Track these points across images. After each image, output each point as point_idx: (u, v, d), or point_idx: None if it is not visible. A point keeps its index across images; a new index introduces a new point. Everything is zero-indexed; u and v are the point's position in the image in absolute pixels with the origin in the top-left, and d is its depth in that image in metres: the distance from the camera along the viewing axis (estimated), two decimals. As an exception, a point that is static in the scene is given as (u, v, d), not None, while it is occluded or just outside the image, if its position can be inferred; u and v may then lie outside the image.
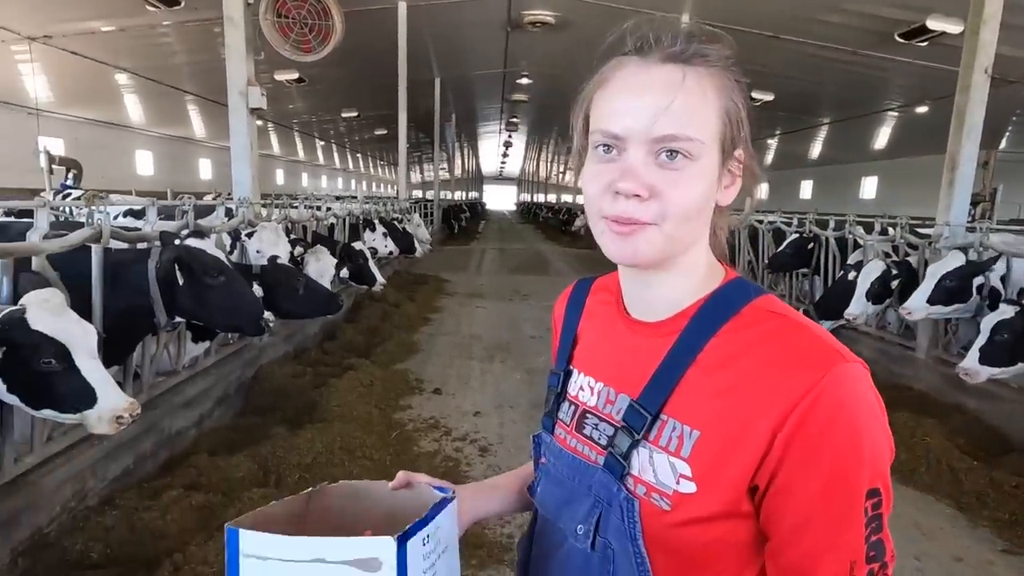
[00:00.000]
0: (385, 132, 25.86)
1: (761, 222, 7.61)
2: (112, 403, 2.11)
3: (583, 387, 0.76)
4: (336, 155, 36.65)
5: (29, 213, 3.64)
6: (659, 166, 0.61)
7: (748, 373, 0.61)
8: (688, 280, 0.69)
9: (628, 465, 0.66)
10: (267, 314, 3.09)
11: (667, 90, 0.61)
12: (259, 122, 5.25)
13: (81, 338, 2.12)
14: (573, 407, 0.76)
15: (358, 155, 40.56)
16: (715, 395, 0.62)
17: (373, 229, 7.36)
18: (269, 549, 0.61)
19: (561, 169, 43.40)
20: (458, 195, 38.60)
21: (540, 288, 10.70)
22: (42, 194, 7.18)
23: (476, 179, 62.30)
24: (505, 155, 53.76)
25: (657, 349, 0.67)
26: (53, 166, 10.35)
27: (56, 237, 2.49)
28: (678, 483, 0.62)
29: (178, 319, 2.92)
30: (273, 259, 3.75)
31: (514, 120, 32.17)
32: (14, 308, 2.08)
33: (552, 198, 45.31)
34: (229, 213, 4.58)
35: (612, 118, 0.63)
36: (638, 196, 0.61)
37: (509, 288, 10.61)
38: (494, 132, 39.36)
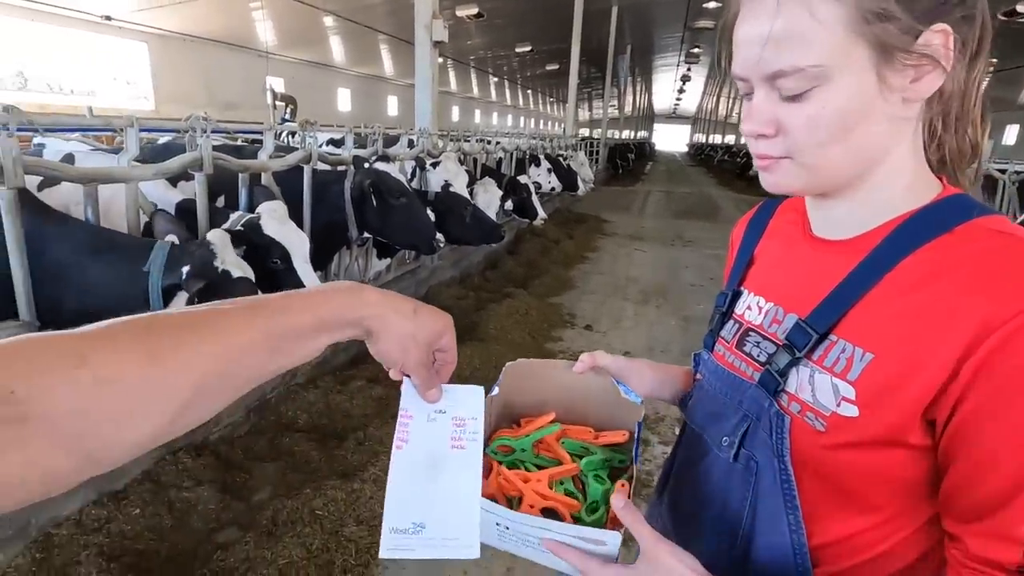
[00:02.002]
0: (556, 67, 25.54)
1: (1004, 172, 6.16)
2: (318, 301, 2.53)
3: (750, 306, 0.75)
4: (508, 92, 37.29)
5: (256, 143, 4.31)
6: (783, 99, 0.59)
7: (944, 294, 0.54)
8: (880, 196, 0.62)
9: (784, 382, 0.64)
10: (438, 236, 3.36)
11: (767, 21, 0.57)
12: (439, 59, 5.51)
13: (299, 244, 2.54)
14: (737, 325, 0.75)
15: (528, 91, 40.80)
16: (898, 317, 0.57)
17: (538, 164, 7.46)
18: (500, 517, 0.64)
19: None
20: (626, 134, 37.09)
21: (706, 235, 10.06)
22: (265, 125, 8.47)
23: (646, 117, 59.02)
24: (681, 91, 49.93)
25: (839, 268, 0.63)
26: (276, 102, 12.11)
27: (278, 158, 2.95)
28: (838, 405, 0.59)
29: (366, 235, 3.32)
30: (446, 186, 4.02)
31: (695, 51, 29.44)
32: (251, 215, 2.54)
33: (731, 140, 41.36)
34: (411, 143, 4.97)
35: (735, 59, 0.62)
36: (763, 135, 0.61)
37: (672, 232, 10.14)
38: (671, 65, 36.59)
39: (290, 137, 6.04)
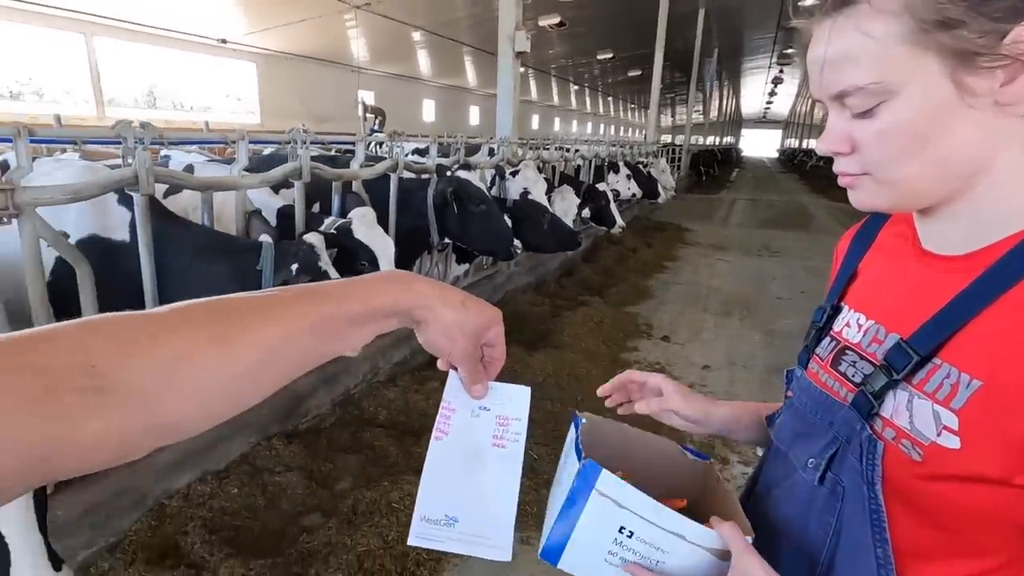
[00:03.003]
0: (639, 73, 25.13)
1: None
2: (402, 304, 2.66)
3: (849, 323, 0.71)
4: (588, 99, 37.14)
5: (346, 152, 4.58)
6: (854, 116, 0.58)
7: None
8: (995, 208, 0.58)
9: (879, 406, 0.60)
10: (516, 242, 3.42)
11: (823, 44, 0.58)
12: (521, 69, 5.61)
13: (384, 248, 2.68)
14: (834, 343, 0.72)
15: (609, 98, 40.41)
16: (1014, 342, 0.52)
17: (617, 171, 7.37)
18: (628, 500, 0.63)
19: (843, 108, 36.40)
20: (710, 140, 35.73)
21: (796, 245, 9.49)
22: (356, 136, 8.99)
23: (733, 122, 56.60)
24: (772, 94, 47.43)
25: (949, 285, 0.58)
26: (367, 114, 12.80)
27: (368, 167, 3.12)
28: (939, 435, 0.55)
29: (446, 240, 3.44)
30: (524, 194, 4.08)
31: (789, 51, 27.92)
32: (343, 220, 2.71)
33: (826, 144, 38.72)
34: (491, 152, 5.09)
35: (809, 82, 0.62)
36: (840, 153, 0.60)
37: (758, 242, 9.64)
38: (761, 68, 34.92)
39: (378, 147, 6.37)
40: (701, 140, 27.07)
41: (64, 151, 3.85)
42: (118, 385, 0.38)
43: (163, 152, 4.15)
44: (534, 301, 5.11)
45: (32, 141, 1.79)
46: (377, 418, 3.11)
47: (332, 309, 0.51)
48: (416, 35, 16.48)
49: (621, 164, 7.47)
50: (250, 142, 2.49)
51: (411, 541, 0.61)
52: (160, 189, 2.39)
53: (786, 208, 14.88)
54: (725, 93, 39.42)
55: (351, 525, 2.24)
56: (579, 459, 0.67)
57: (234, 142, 2.38)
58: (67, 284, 1.85)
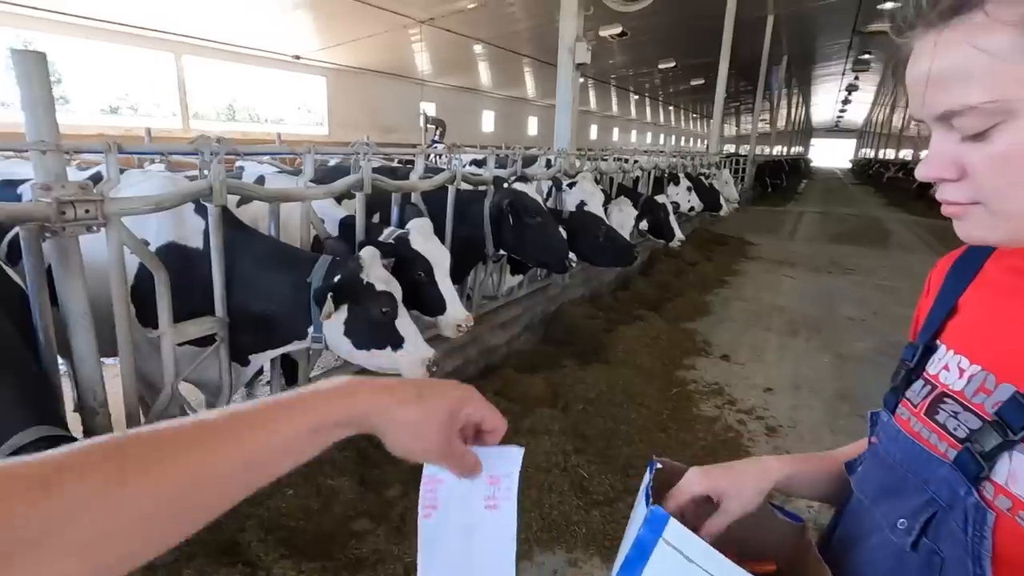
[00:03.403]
0: (702, 82, 24.53)
1: None
2: (456, 314, 2.66)
3: (949, 366, 0.63)
4: (648, 109, 36.59)
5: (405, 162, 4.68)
6: (962, 139, 0.52)
7: None
8: None
9: (990, 469, 0.53)
10: (571, 256, 3.38)
11: (926, 59, 0.52)
12: (580, 80, 5.58)
13: (441, 259, 2.71)
14: (928, 387, 0.64)
15: (670, 108, 39.67)
16: None
17: (677, 183, 7.19)
18: (698, 555, 0.60)
19: (926, 117, 34.08)
20: (778, 150, 34.35)
21: (870, 262, 8.93)
22: (428, 148, 9.23)
23: (803, 132, 54.22)
24: (846, 102, 45.16)
25: None
26: (428, 125, 13.13)
27: (427, 179, 3.17)
28: None
29: (501, 252, 3.44)
30: (581, 206, 4.03)
31: (865, 57, 26.49)
32: (402, 231, 2.76)
33: (906, 154, 36.42)
34: (548, 163, 5.08)
35: (909, 101, 0.56)
36: (945, 179, 0.54)
37: (827, 259, 9.15)
38: (834, 75, 33.31)
39: (438, 158, 6.50)
40: (767, 150, 26.02)
41: (153, 162, 4.16)
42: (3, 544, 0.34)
43: (238, 163, 4.39)
44: (588, 314, 5.04)
45: (123, 153, 1.92)
46: (428, 427, 3.14)
47: (258, 441, 0.46)
48: (477, 47, 16.78)
49: (681, 176, 7.28)
50: (316, 154, 2.59)
51: None
52: (233, 199, 2.52)
53: (859, 222, 14.06)
54: (794, 101, 37.84)
55: (399, 533, 2.26)
56: (647, 505, 0.63)
57: (301, 154, 2.48)
58: (149, 287, 1.97)
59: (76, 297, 1.72)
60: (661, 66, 21.78)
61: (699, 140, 50.80)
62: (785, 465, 0.75)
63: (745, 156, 17.27)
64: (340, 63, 15.14)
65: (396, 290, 2.17)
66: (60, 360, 1.79)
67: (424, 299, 2.67)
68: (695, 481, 0.73)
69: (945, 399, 0.61)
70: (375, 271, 2.09)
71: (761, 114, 21.71)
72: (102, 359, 1.85)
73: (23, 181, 2.55)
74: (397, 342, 2.15)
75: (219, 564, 1.96)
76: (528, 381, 3.65)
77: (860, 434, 0.79)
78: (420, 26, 13.46)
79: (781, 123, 33.40)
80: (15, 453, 1.23)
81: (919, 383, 0.66)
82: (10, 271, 1.82)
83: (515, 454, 0.66)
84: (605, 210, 4.70)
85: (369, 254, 2.11)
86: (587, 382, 3.65)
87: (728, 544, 0.68)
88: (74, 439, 1.32)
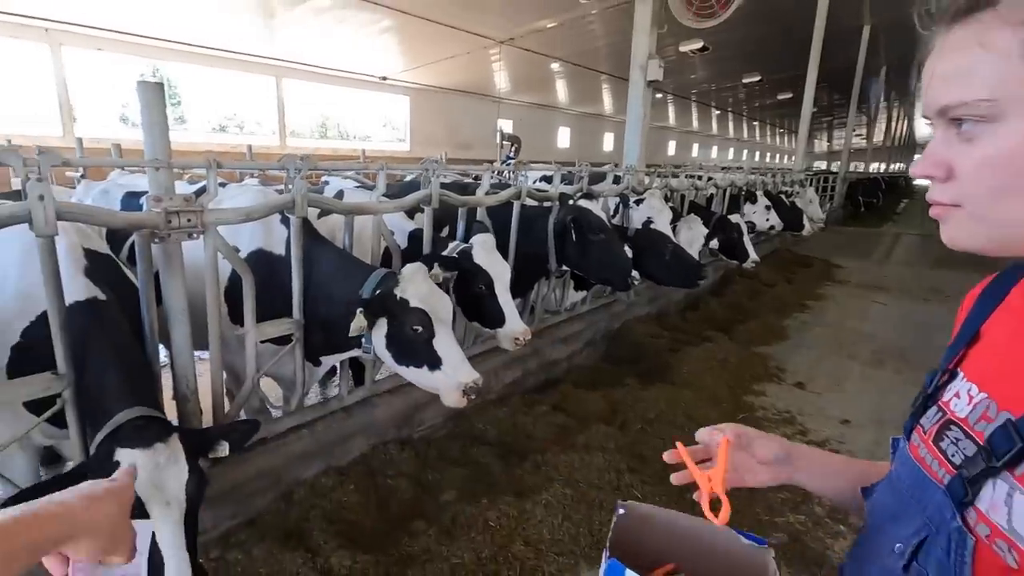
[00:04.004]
0: (789, 96, 23.43)
1: None
2: (515, 327, 2.74)
3: (960, 394, 0.63)
4: (731, 124, 35.36)
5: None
6: (958, 139, 0.52)
7: None
8: None
9: (975, 496, 0.53)
10: (634, 273, 3.36)
11: (935, 60, 0.53)
12: (659, 95, 5.55)
13: (502, 274, 2.80)
14: (940, 414, 0.64)
15: (755, 123, 38.11)
16: None
17: (754, 201, 6.92)
18: None
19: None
20: (875, 167, 32.05)
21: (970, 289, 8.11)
22: (493, 164, 9.47)
23: (905, 147, 50.21)
24: (956, 115, 41.31)
25: None
26: (504, 142, 13.44)
27: (493, 194, 3.28)
28: None
29: (564, 267, 3.48)
30: (647, 223, 4.00)
31: (979, 67, 24.21)
32: (465, 245, 2.88)
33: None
34: (616, 180, 5.07)
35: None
36: (933, 177, 0.55)
37: (925, 285, 8.42)
38: (943, 85, 30.64)
39: (512, 174, 6.66)
40: (863, 167, 24.35)
41: (252, 176, 4.59)
42: None
43: (324, 178, 4.74)
44: (653, 333, 4.95)
45: (222, 169, 2.16)
46: (485, 435, 3.21)
47: None
48: (555, 65, 17.00)
49: (759, 194, 7.00)
50: (390, 170, 2.76)
51: None
52: (314, 212, 2.75)
53: (967, 246, 12.80)
54: (895, 115, 35.20)
55: (449, 536, 2.33)
56: (605, 557, 0.66)
57: (375, 171, 2.66)
58: (239, 289, 2.19)
59: (176, 295, 1.94)
60: (745, 80, 21.03)
61: (786, 156, 48.37)
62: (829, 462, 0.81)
63: (836, 173, 16.26)
64: (422, 83, 15.87)
65: (439, 308, 2.13)
66: (162, 352, 2.02)
67: (484, 311, 2.76)
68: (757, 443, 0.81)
69: (951, 426, 0.60)
70: (412, 287, 2.10)
71: (856, 129, 20.38)
72: (196, 352, 2.08)
73: (143, 193, 2.91)
74: (434, 362, 2.12)
75: (284, 548, 2.12)
76: (586, 397, 3.64)
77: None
78: (500, 46, 13.85)
79: (879, 138, 31.13)
80: (116, 430, 1.42)
81: (933, 410, 0.65)
82: (128, 271, 2.09)
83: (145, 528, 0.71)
84: (673, 228, 4.62)
85: (411, 270, 2.14)
86: (647, 401, 3.59)
87: (693, 569, 0.70)
88: (168, 422, 1.51)
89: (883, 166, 39.53)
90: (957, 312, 0.74)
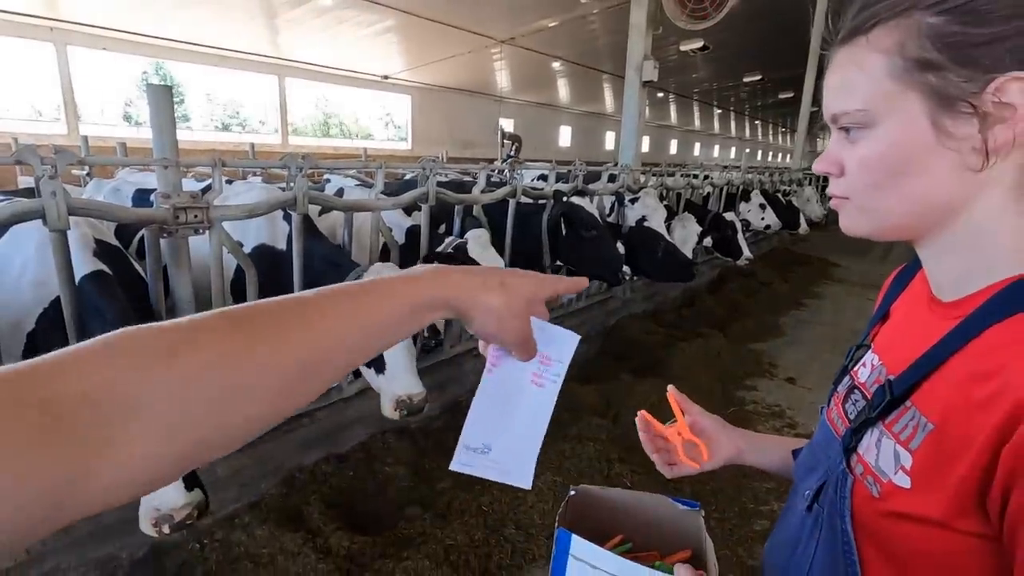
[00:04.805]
0: (790, 95, 23.46)
1: None
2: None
3: (865, 363, 0.73)
4: (733, 123, 35.39)
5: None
6: (847, 141, 0.62)
7: (1000, 368, 0.50)
8: (977, 256, 0.58)
9: (857, 443, 0.63)
10: (625, 269, 3.45)
11: (829, 74, 0.62)
12: (660, 94, 5.63)
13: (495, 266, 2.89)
14: (849, 382, 0.75)
15: (756, 123, 38.14)
16: (959, 388, 0.54)
17: (748, 200, 7.00)
18: (599, 560, 0.67)
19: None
20: (876, 166, 32.02)
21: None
22: (494, 163, 9.56)
23: (907, 146, 50.00)
24: (959, 114, 41.27)
25: (938, 331, 0.60)
26: (504, 140, 13.52)
27: (489, 192, 3.38)
28: (895, 473, 0.57)
29: (558, 263, 3.57)
30: (640, 221, 4.09)
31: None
32: (461, 240, 2.97)
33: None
34: (612, 178, 5.16)
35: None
36: (830, 173, 0.64)
37: (922, 283, 8.47)
38: (945, 85, 30.62)
39: (509, 172, 6.75)
40: (863, 166, 24.41)
41: (255, 174, 4.69)
42: (132, 408, 0.35)
43: (325, 176, 4.84)
44: (648, 329, 5.04)
45: (226, 167, 2.26)
46: (481, 426, 3.30)
47: (370, 311, 0.50)
48: (556, 64, 17.08)
49: (754, 193, 7.08)
50: (388, 168, 2.85)
51: (452, 466, 0.66)
52: (315, 209, 2.85)
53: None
54: (897, 114, 35.15)
55: (444, 520, 2.43)
56: (556, 527, 0.74)
57: (374, 169, 2.75)
58: (244, 281, 2.29)
59: (183, 287, 2.04)
60: (747, 79, 21.10)
61: (788, 155, 48.37)
62: (742, 441, 0.91)
63: (835, 172, 16.25)
64: (424, 82, 15.96)
65: None
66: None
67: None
68: (701, 419, 0.91)
69: (855, 390, 0.71)
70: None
71: (856, 128, 20.39)
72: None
73: (153, 190, 3.02)
74: (380, 366, 2.05)
75: (285, 529, 2.22)
76: (580, 390, 3.73)
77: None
78: (501, 45, 13.94)
79: (881, 137, 31.12)
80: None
81: (846, 379, 0.75)
82: (136, 264, 2.19)
83: (570, 340, 0.68)
84: (668, 226, 4.71)
85: (376, 269, 2.14)
86: (640, 395, 3.68)
87: (646, 541, 0.79)
88: None
89: (885, 165, 39.44)
90: (877, 295, 0.84)
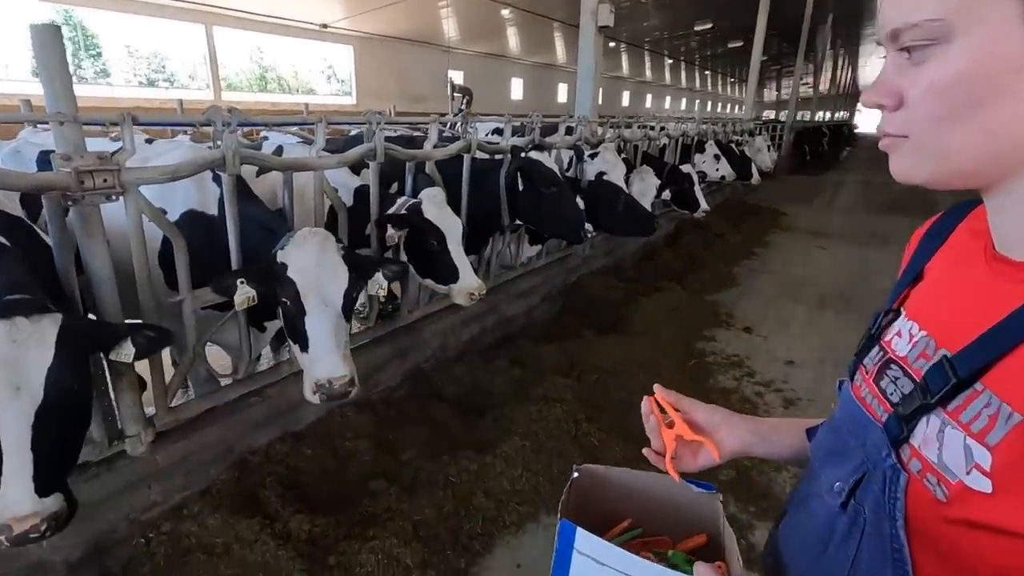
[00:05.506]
0: (740, 44, 23.45)
1: None
2: (469, 282, 2.69)
3: (901, 333, 0.62)
4: (683, 74, 35.32)
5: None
6: (909, 65, 0.49)
7: None
8: None
9: (909, 432, 0.53)
10: (587, 225, 3.35)
11: None
12: (612, 43, 5.42)
13: (453, 228, 2.72)
14: (882, 353, 0.64)
15: (706, 73, 38.21)
16: None
17: (703, 151, 6.98)
18: (606, 557, 0.63)
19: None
20: (821, 115, 32.86)
21: (911, 233, 8.57)
22: (444, 117, 9.16)
23: (849, 96, 51.50)
24: (897, 63, 42.47)
25: (1013, 298, 0.49)
26: (455, 94, 13.00)
27: (442, 148, 3.17)
28: (968, 473, 0.47)
29: (518, 222, 3.43)
30: (600, 175, 3.97)
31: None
32: (414, 200, 2.78)
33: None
34: (570, 131, 4.99)
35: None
36: (883, 106, 0.52)
37: (866, 230, 8.81)
38: (886, 33, 31.31)
39: (462, 126, 6.45)
40: (810, 116, 24.89)
41: (185, 133, 4.26)
42: None
43: (263, 133, 4.46)
44: (609, 285, 5.01)
45: (139, 125, 1.98)
46: (444, 393, 3.21)
47: None
48: (505, 12, 16.41)
49: (709, 144, 7.06)
50: (329, 123, 2.61)
51: None
52: (252, 170, 2.58)
53: (904, 192, 13.40)
54: (840, 64, 35.87)
55: (410, 494, 2.34)
56: (558, 518, 0.66)
57: (314, 124, 2.50)
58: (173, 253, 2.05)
59: (100, 262, 1.80)
60: (697, 28, 20.91)
61: (738, 106, 48.90)
62: (747, 432, 0.79)
63: (783, 122, 16.56)
64: (366, 31, 15.06)
65: (321, 283, 1.86)
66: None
67: (437, 268, 2.70)
68: (697, 414, 0.79)
69: (891, 365, 0.60)
70: (296, 252, 1.88)
71: (804, 78, 20.70)
72: (131, 321, 1.95)
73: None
74: (304, 344, 1.87)
75: (241, 515, 2.08)
76: (544, 350, 3.68)
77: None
78: (446, -9, 13.23)
79: (825, 87, 31.75)
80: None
81: (875, 350, 0.65)
82: (43, 235, 1.91)
83: None
84: (626, 180, 4.61)
85: (301, 235, 1.92)
86: (603, 352, 3.66)
87: (656, 526, 0.71)
88: (49, 305, 1.35)
89: (828, 115, 40.54)
90: (903, 252, 0.74)
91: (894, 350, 0.61)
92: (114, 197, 1.75)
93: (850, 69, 42.41)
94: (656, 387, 0.82)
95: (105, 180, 1.69)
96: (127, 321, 1.84)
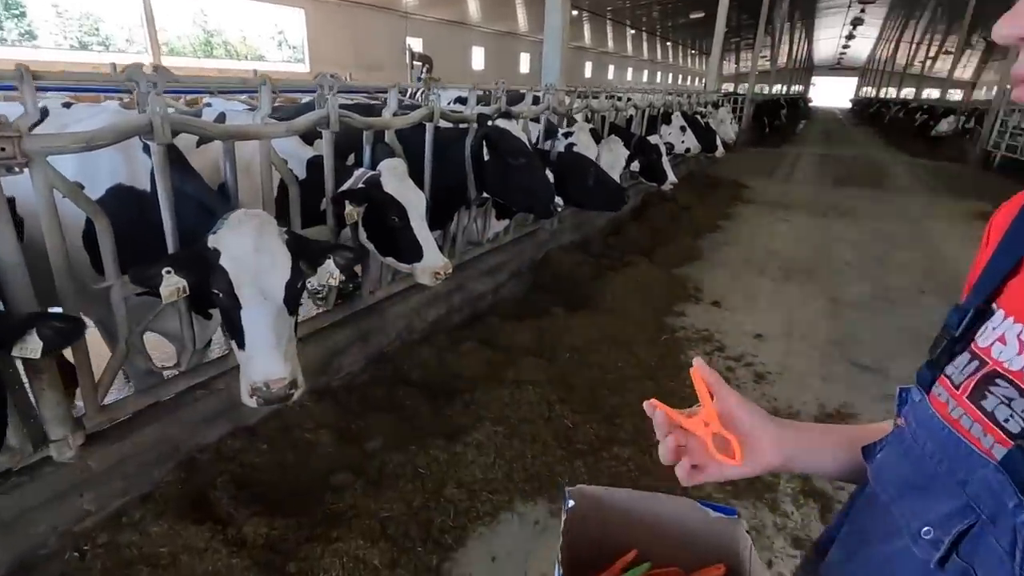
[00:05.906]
0: (701, 15, 23.41)
1: None
2: (433, 260, 2.51)
3: (1006, 338, 0.49)
4: (645, 45, 35.15)
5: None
6: None
7: None
8: None
9: None
10: (557, 200, 3.20)
11: None
12: (574, 12, 5.20)
13: (416, 202, 2.53)
14: (976, 363, 0.51)
15: (668, 44, 38.15)
16: None
17: (669, 123, 6.89)
18: None
19: (931, 53, 32.99)
20: (777, 88, 33.33)
21: (868, 205, 8.79)
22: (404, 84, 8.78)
23: (804, 70, 52.46)
24: (850, 37, 43.53)
25: None
26: (414, 62, 12.51)
27: (402, 116, 2.94)
28: None
29: (484, 195, 3.26)
30: (569, 147, 3.81)
31: (874, -12, 25.26)
32: (372, 172, 2.57)
33: (908, 93, 35.34)
34: (537, 100, 4.79)
35: None
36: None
37: (825, 202, 8.98)
38: (840, 7, 31.87)
39: (424, 96, 6.14)
40: (767, 89, 25.17)
41: (122, 99, 3.85)
42: None
43: (206, 99, 4.09)
44: (578, 260, 4.90)
45: (44, 89, 1.71)
46: (411, 377, 3.06)
47: None
48: (466, -23, 15.82)
49: (675, 115, 6.97)
50: (279, 91, 2.35)
51: None
52: (192, 140, 2.31)
53: (859, 164, 13.77)
54: (796, 37, 36.33)
55: (377, 487, 2.20)
56: (557, 564, 0.55)
57: (256, 89, 2.25)
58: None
59: (5, 245, 1.55)
60: (660, -2, 20.72)
61: (698, 79, 49.10)
62: (791, 442, 0.66)
63: (743, 95, 16.66)
64: (319, -6, 14.27)
65: (257, 271, 1.68)
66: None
67: (399, 245, 2.51)
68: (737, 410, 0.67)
69: (997, 380, 0.48)
70: (230, 235, 1.70)
71: (762, 51, 20.83)
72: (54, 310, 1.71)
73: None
74: (240, 341, 1.71)
75: (189, 521, 1.90)
76: (514, 329, 3.55)
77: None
78: (403, -48, 12.59)
79: (782, 60, 32.16)
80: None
81: (964, 357, 0.52)
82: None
83: None
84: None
85: (237, 218, 1.73)
86: (573, 330, 3.56)
87: (666, 554, 0.60)
88: None
89: (785, 87, 41.18)
90: (986, 231, 0.60)
91: (998, 360, 0.49)
92: (17, 169, 1.49)
93: (806, 43, 43.07)
94: (696, 360, 0.70)
95: (3, 149, 1.44)
96: (29, 312, 1.60)
